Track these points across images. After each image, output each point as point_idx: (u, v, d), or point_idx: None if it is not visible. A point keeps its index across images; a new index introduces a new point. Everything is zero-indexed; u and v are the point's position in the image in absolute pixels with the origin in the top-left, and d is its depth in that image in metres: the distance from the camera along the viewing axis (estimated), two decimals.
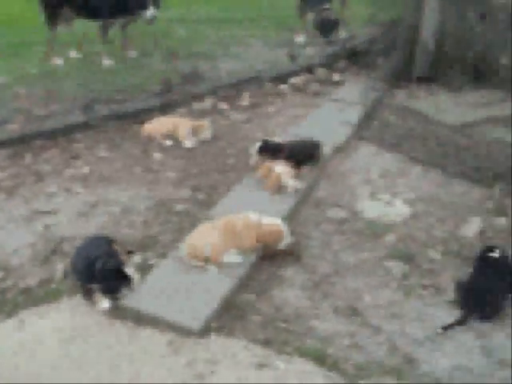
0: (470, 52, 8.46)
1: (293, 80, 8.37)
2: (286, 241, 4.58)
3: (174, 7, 11.78)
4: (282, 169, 5.44)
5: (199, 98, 7.58)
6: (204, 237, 4.46)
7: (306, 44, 10.05)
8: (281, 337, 3.88)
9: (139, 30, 9.52)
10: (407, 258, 4.68)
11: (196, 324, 3.86)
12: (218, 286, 4.18)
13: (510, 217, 5.34)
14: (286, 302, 4.19)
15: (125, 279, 4.06)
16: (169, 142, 6.53)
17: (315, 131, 6.53)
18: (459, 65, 8.44)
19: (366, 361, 3.74)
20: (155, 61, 8.80)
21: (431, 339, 3.94)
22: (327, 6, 10.35)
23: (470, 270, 4.49)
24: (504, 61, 8.71)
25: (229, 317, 4.03)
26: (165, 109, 7.24)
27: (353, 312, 4.13)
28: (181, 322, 3.88)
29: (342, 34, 10.33)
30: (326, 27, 10.25)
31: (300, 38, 10.21)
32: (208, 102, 7.50)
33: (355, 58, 9.25)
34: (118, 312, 4.01)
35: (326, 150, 6.12)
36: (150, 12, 8.62)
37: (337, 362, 3.72)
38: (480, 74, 8.51)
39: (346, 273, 4.52)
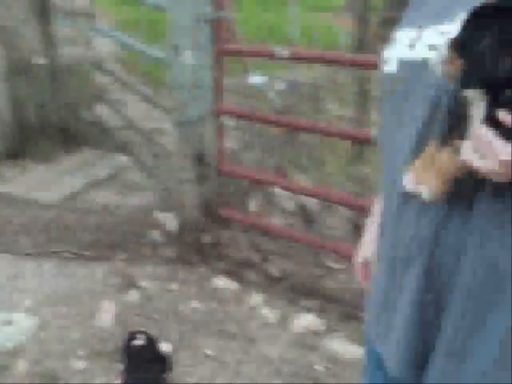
0: (54, 117, 8.07)
1: None
2: None
3: None
4: None
5: None
6: None
7: None
8: None
9: None
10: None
11: None
12: None
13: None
14: None
15: None
16: None
17: None
18: (46, 133, 7.98)
19: None
20: None
21: None
22: None
23: (122, 367, 4.11)
24: (90, 118, 8.53)
25: None
26: None
27: None
28: None
29: None
30: None
31: None
32: None
33: None
34: None
35: None
36: None
37: None
38: (70, 138, 8.21)
39: None
